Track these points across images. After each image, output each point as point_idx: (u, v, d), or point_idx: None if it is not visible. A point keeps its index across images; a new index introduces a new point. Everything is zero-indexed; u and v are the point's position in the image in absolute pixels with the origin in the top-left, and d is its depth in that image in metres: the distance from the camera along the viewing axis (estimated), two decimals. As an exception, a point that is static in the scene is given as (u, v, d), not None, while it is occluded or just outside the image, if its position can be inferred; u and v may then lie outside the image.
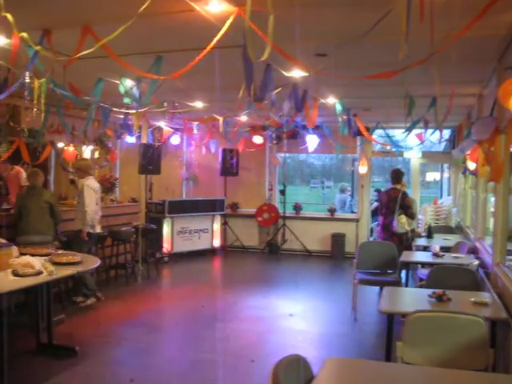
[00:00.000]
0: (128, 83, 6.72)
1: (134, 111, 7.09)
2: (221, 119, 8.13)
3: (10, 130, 8.38)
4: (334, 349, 6.40)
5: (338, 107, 8.54)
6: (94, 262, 5.94)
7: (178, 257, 12.00)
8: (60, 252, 6.30)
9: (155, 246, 11.09)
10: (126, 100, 6.75)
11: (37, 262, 5.30)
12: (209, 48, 4.08)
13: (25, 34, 4.14)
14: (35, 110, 5.34)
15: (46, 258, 5.84)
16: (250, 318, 7.66)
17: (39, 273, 5.16)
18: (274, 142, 13.08)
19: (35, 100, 5.19)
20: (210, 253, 12.83)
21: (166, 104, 7.76)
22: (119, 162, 12.71)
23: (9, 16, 3.68)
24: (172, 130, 12.63)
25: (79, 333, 6.65)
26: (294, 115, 8.37)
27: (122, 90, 6.61)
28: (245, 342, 6.57)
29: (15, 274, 5.10)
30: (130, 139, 11.33)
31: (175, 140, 13.57)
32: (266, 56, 3.27)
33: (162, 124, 12.16)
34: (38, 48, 4.43)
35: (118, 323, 7.20)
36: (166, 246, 11.82)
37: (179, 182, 14.31)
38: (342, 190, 16.19)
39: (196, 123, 9.87)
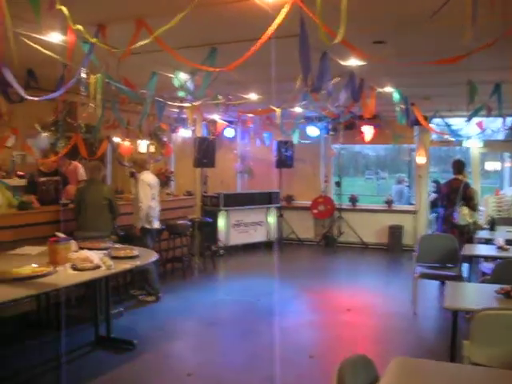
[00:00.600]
0: (182, 76, 6.70)
1: (188, 104, 7.06)
2: (278, 111, 7.99)
3: (68, 126, 8.52)
4: (393, 345, 6.24)
5: (396, 96, 8.32)
6: (151, 256, 5.95)
7: (234, 250, 11.99)
8: (118, 246, 6.36)
9: (211, 239, 11.11)
10: (181, 93, 6.73)
11: (95, 257, 5.34)
12: (264, 38, 3.97)
13: (80, 27, 4.12)
14: (91, 105, 5.34)
15: (105, 252, 5.90)
16: (307, 312, 7.57)
17: (97, 267, 5.20)
18: (331, 133, 12.88)
19: (91, 95, 5.20)
20: (265, 245, 12.78)
21: (220, 97, 7.72)
22: (174, 156, 12.81)
23: (64, 9, 3.66)
24: (226, 123, 12.61)
25: (137, 326, 6.71)
26: (351, 105, 8.18)
27: (176, 83, 6.60)
28: (302, 337, 6.47)
29: (74, 268, 5.14)
30: (185, 133, 11.39)
31: (229, 133, 13.57)
32: (340, 39, 3.14)
33: (216, 117, 12.16)
34: (94, 40, 4.44)
35: (175, 317, 7.22)
36: (222, 239, 11.82)
37: (234, 175, 14.31)
38: (399, 181, 15.86)
39: (250, 115, 9.80)
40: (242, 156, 14.21)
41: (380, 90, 8.26)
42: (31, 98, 4.93)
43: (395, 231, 12.69)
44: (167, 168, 10.93)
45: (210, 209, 11.85)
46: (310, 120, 12.14)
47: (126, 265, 5.51)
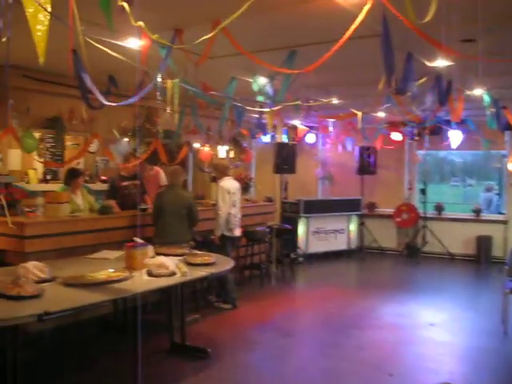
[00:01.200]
0: (261, 81, 6.60)
1: (267, 109, 6.94)
2: (360, 114, 7.74)
3: (147, 132, 8.60)
4: (480, 365, 5.81)
5: (486, 99, 7.87)
6: (227, 264, 5.85)
7: (313, 258, 11.77)
8: (194, 252, 6.30)
9: (290, 246, 10.94)
10: (260, 98, 6.62)
11: (171, 263, 5.29)
12: (345, 37, 3.78)
13: (156, 36, 4.07)
14: (169, 110, 5.31)
15: (181, 258, 5.85)
16: (388, 325, 7.22)
17: (173, 273, 5.14)
18: (416, 137, 12.40)
19: (168, 101, 5.17)
20: (345, 254, 12.49)
21: (299, 102, 7.56)
22: (254, 162, 12.75)
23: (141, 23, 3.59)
24: (307, 129, 12.45)
25: (212, 334, 6.63)
26: (437, 109, 7.82)
27: (255, 87, 6.50)
28: (382, 353, 6.18)
29: (149, 273, 5.11)
30: (265, 138, 11.29)
31: (310, 138, 13.38)
32: (430, 16, 2.91)
33: (296, 122, 12.02)
34: (171, 45, 4.39)
35: (250, 326, 7.09)
36: (301, 247, 11.64)
37: (315, 181, 14.09)
38: (488, 189, 15.17)
39: (332, 120, 9.58)
40: (323, 162, 13.97)
41: (468, 92, 7.84)
42: (110, 103, 4.95)
43: (484, 242, 12.07)
44: (247, 174, 10.86)
45: (289, 215, 11.71)
46: (393, 125, 11.78)
47: (202, 272, 5.43)
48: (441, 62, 5.89)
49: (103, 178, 9.37)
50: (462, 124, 10.84)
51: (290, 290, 9.30)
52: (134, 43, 5.25)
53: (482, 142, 11.44)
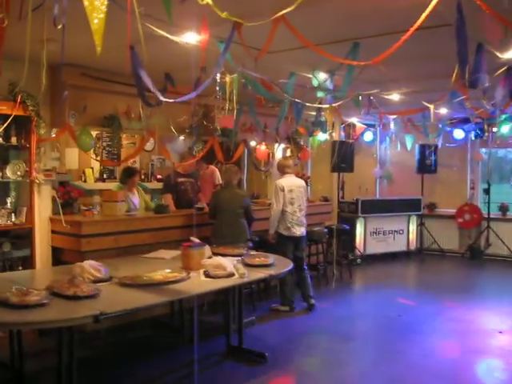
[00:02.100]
0: (321, 76, 6.38)
1: (327, 106, 6.70)
2: (432, 107, 7.33)
3: (204, 130, 8.48)
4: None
5: None
6: (286, 266, 5.66)
7: (371, 259, 11.45)
8: (252, 253, 6.14)
9: (347, 247, 10.64)
10: (320, 94, 6.39)
11: (228, 264, 5.13)
12: (415, 26, 3.52)
13: (225, 14, 3.87)
14: (227, 107, 5.15)
15: (238, 258, 5.70)
16: (452, 332, 6.85)
17: (230, 275, 4.99)
18: (486, 134, 11.78)
19: (227, 97, 5.00)
20: (404, 255, 12.10)
21: (360, 98, 7.28)
22: (310, 160, 12.48)
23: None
24: (364, 127, 12.12)
25: (269, 337, 6.43)
26: (507, 104, 7.40)
27: (315, 83, 6.29)
28: (447, 361, 5.82)
29: (207, 274, 4.98)
30: (322, 136, 11.01)
31: (368, 136, 13.06)
32: None
33: (354, 120, 11.72)
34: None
35: (308, 329, 6.87)
36: (359, 248, 11.33)
37: (372, 181, 13.72)
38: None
39: (393, 117, 9.25)
40: (381, 160, 13.60)
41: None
42: (167, 100, 4.83)
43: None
44: (304, 173, 10.64)
45: (346, 215, 11.41)
46: (455, 122, 11.32)
47: (260, 274, 5.26)
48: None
49: (159, 176, 9.32)
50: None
51: (348, 293, 9.00)
52: (191, 38, 5.10)
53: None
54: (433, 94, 8.31)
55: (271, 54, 5.34)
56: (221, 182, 9.17)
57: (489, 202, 12.00)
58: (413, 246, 12.35)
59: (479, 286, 9.92)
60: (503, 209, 12.28)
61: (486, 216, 12.08)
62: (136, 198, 7.45)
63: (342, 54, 5.10)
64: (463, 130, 11.78)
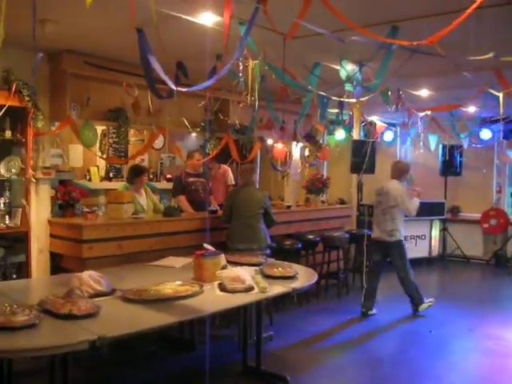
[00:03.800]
0: (349, 67, 5.76)
1: (354, 100, 6.06)
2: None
3: (218, 126, 7.87)
4: None
5: None
6: (310, 278, 5.03)
7: (390, 265, 10.79)
8: (272, 262, 5.52)
9: (368, 252, 9.96)
10: (348, 87, 5.77)
11: (247, 276, 4.53)
12: (476, 4, 2.91)
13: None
14: (248, 96, 4.53)
15: (256, 268, 5.09)
16: (492, 351, 6.19)
17: (249, 289, 4.37)
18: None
19: (249, 85, 4.38)
20: (426, 262, 11.45)
21: (389, 93, 6.65)
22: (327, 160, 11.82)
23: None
24: (385, 125, 11.46)
25: (288, 355, 5.79)
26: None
27: (342, 74, 5.67)
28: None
29: (222, 288, 4.37)
30: (340, 135, 10.36)
31: (388, 136, 12.42)
32: None
33: (375, 118, 11.09)
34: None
35: (331, 345, 6.23)
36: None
37: (392, 183, 13.04)
38: None
39: (421, 115, 8.60)
40: (403, 162, 12.93)
41: None
42: (180, 89, 4.25)
43: None
44: (322, 173, 10.02)
45: (365, 219, 10.75)
46: (483, 121, 10.65)
47: (282, 287, 4.63)
48: None
49: (168, 176, 8.75)
50: None
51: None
52: (207, 18, 4.50)
53: None
54: (463, 90, 7.72)
55: (298, 40, 4.75)
56: (233, 182, 8.62)
57: (515, 206, 11.35)
58: (435, 252, 11.71)
59: (510, 297, 9.23)
60: (532, 212, 11.62)
61: (513, 221, 11.43)
62: (144, 199, 6.87)
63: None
64: (491, 130, 11.09)
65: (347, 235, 8.62)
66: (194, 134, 7.95)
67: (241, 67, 4.37)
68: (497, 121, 10.31)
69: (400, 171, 7.58)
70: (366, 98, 6.02)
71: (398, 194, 7.33)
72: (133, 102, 6.58)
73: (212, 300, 4.16)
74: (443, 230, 11.82)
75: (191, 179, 7.52)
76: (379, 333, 6.78)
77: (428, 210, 11.40)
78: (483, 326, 7.12)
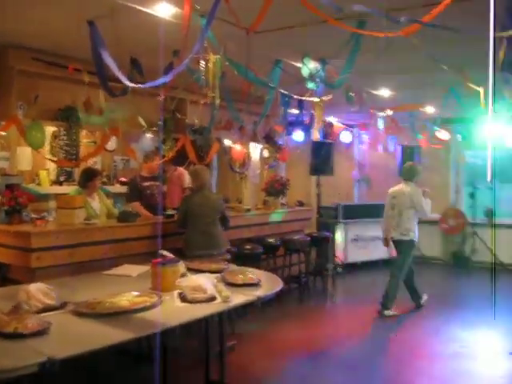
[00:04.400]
0: (312, 65, 5.55)
1: (317, 99, 5.84)
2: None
3: (175, 127, 7.56)
4: None
5: None
6: (275, 285, 4.77)
7: (352, 267, 10.69)
8: (233, 268, 5.25)
9: (328, 255, 9.82)
10: (310, 85, 5.55)
11: (209, 285, 4.24)
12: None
13: None
14: (209, 93, 4.24)
15: (218, 275, 4.81)
16: (457, 355, 6.05)
17: (211, 298, 4.09)
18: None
19: (209, 82, 4.11)
20: (386, 263, 11.35)
21: (352, 94, 6.47)
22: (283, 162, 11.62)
23: None
24: (344, 126, 11.34)
25: (254, 366, 5.54)
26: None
27: (305, 72, 5.45)
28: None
29: (183, 298, 4.07)
30: (297, 136, 10.14)
31: (346, 137, 12.30)
32: None
33: (332, 119, 10.95)
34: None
35: (298, 355, 6.00)
36: (339, 256, 10.54)
37: (351, 184, 12.94)
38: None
39: (382, 116, 8.45)
40: (360, 163, 12.85)
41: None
42: (134, 85, 3.96)
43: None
44: (282, 175, 9.80)
45: (325, 221, 10.60)
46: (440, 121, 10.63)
47: (246, 296, 4.36)
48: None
49: (122, 179, 8.37)
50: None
51: (334, 308, 8.20)
52: (164, 10, 4.21)
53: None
54: (423, 90, 7.65)
55: (259, 36, 4.52)
56: (189, 185, 8.31)
57: (474, 207, 11.36)
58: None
59: (473, 298, 9.10)
60: (488, 213, 11.66)
61: (472, 221, 11.45)
62: (97, 204, 6.50)
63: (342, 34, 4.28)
64: (449, 130, 11.06)
65: (308, 238, 8.43)
66: (149, 135, 7.60)
67: (201, 63, 4.07)
68: (455, 121, 10.34)
69: (413, 173, 7.88)
70: (330, 97, 5.82)
71: (414, 195, 7.63)
72: (84, 100, 6.21)
73: (172, 312, 3.87)
74: (402, 231, 11.76)
75: (147, 183, 7.20)
76: (344, 339, 6.58)
77: (388, 211, 11.34)
78: (448, 328, 7.02)
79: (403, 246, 7.67)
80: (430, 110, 9.11)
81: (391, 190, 7.95)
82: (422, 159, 11.53)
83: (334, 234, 10.28)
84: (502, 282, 10.00)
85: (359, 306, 8.09)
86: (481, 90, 4.87)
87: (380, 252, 11.25)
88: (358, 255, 10.94)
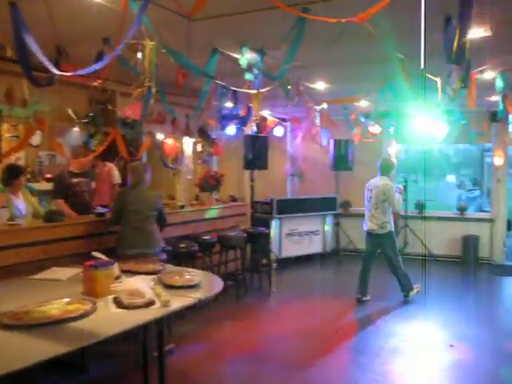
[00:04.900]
0: (251, 55, 5.34)
1: (254, 91, 5.62)
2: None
3: (105, 120, 7.17)
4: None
5: (499, 83, 6.80)
6: (216, 285, 4.54)
7: (287, 262, 10.58)
8: (171, 269, 4.98)
9: (263, 251, 9.64)
10: (248, 76, 5.34)
11: (146, 288, 3.98)
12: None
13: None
14: (146, 82, 3.94)
15: (154, 276, 4.54)
16: (401, 350, 6.00)
17: (150, 303, 3.82)
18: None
19: (146, 70, 3.82)
20: (320, 257, 11.34)
21: (289, 87, 6.29)
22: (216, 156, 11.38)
23: None
24: (277, 120, 11.21)
25: (194, 370, 5.29)
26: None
27: (242, 62, 5.24)
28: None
29: (119, 303, 3.78)
30: (231, 130, 9.92)
31: (279, 131, 12.18)
32: None
33: (266, 113, 10.80)
34: None
35: (236, 354, 5.82)
36: (274, 251, 10.41)
37: (283, 179, 12.84)
38: (460, 185, 14.44)
39: (319, 108, 8.32)
40: (293, 157, 12.76)
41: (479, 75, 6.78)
42: (62, 73, 3.63)
43: (470, 242, 11.12)
44: (216, 170, 9.56)
45: (260, 216, 10.45)
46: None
47: (187, 299, 4.10)
48: (478, 33, 4.73)
49: (48, 176, 7.91)
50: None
51: (272, 304, 8.03)
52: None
53: (468, 135, 10.50)
54: (359, 83, 7.60)
55: (197, 23, 4.26)
56: (119, 181, 7.98)
57: (406, 200, 11.47)
58: (329, 247, 11.63)
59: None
60: (419, 206, 11.84)
61: (404, 214, 11.56)
62: (22, 203, 6.06)
63: (283, 24, 4.09)
64: (380, 124, 11.11)
65: (244, 234, 8.24)
66: (76, 129, 7.17)
67: (137, 49, 3.76)
68: (388, 115, 10.39)
69: (387, 168, 8.10)
70: (268, 88, 5.62)
71: (387, 189, 7.85)
72: (5, 90, 5.75)
73: (107, 319, 3.57)
74: (336, 224, 11.77)
75: (76, 180, 6.82)
76: (286, 336, 6.42)
77: (321, 206, 11.33)
78: (387, 322, 7.00)
79: (384, 239, 8.00)
80: (363, 103, 9.07)
81: (367, 183, 8.27)
82: (355, 153, 11.60)
83: (269, 229, 10.11)
84: (432, 272, 10.16)
85: (297, 303, 7.97)
86: (438, 79, 4.77)
87: (315, 246, 11.26)
88: (292, 250, 10.85)
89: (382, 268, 8.52)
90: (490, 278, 9.98)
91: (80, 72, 3.60)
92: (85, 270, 4.12)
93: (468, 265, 10.96)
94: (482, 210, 12.52)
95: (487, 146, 12.48)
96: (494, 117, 10.63)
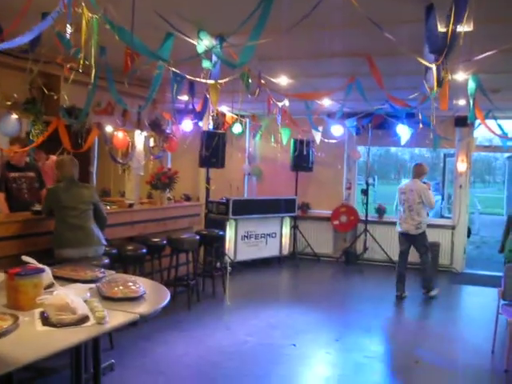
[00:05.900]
0: (208, 42, 4.83)
1: (212, 81, 5.10)
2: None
3: (45, 108, 6.54)
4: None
5: (472, 85, 6.43)
6: (162, 298, 4.00)
7: (242, 266, 10.09)
8: (111, 276, 4.41)
9: (216, 254, 9.09)
10: (206, 64, 4.82)
11: (79, 302, 3.41)
12: None
13: None
14: (82, 58, 3.37)
15: (92, 286, 3.98)
16: (363, 366, 5.60)
17: (82, 320, 3.27)
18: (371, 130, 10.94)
19: (82, 44, 3.24)
20: (277, 261, 10.90)
21: (250, 80, 5.78)
22: (170, 153, 10.79)
23: None
24: (236, 117, 10.69)
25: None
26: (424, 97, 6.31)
27: (200, 49, 4.72)
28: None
29: (45, 320, 3.23)
30: (186, 125, 9.36)
31: (237, 128, 11.67)
32: None
33: (224, 109, 10.29)
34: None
35: (184, 368, 5.30)
36: (229, 254, 9.91)
37: (241, 178, 12.32)
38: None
39: (280, 104, 7.84)
40: (251, 156, 12.27)
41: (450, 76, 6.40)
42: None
43: (431, 249, 10.81)
44: (169, 168, 8.99)
45: (215, 217, 9.92)
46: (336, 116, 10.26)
47: (127, 314, 3.55)
48: (461, 28, 4.33)
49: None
50: (411, 117, 9.59)
51: (225, 312, 7.49)
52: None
53: (432, 139, 10.19)
54: (323, 79, 7.19)
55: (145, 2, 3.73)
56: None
57: (367, 204, 11.14)
58: (286, 251, 11.19)
59: (374, 298, 8.56)
60: (380, 211, 11.53)
61: (364, 218, 11.22)
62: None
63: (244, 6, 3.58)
64: (343, 125, 10.70)
65: (198, 237, 7.70)
66: (14, 116, 6.48)
67: (68, 29, 3.17)
68: (353, 115, 10.00)
69: (421, 172, 8.53)
70: (227, 79, 5.11)
71: (422, 191, 8.29)
72: None
73: (32, 339, 3.02)
74: (294, 227, 11.35)
75: (14, 174, 6.21)
76: (238, 349, 5.91)
77: (279, 207, 10.89)
78: (348, 334, 6.58)
79: (419, 239, 8.47)
80: (326, 102, 8.64)
81: (400, 186, 8.75)
82: (316, 153, 11.19)
83: (224, 231, 9.59)
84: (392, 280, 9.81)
85: (252, 311, 7.48)
86: (433, 66, 4.34)
87: (271, 249, 10.82)
88: (248, 253, 10.36)
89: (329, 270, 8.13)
90: (451, 286, 9.69)
91: (7, 45, 3.02)
92: (8, 279, 3.54)
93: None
94: (442, 216, 12.27)
95: (450, 151, 12.28)
96: (459, 121, 10.40)
